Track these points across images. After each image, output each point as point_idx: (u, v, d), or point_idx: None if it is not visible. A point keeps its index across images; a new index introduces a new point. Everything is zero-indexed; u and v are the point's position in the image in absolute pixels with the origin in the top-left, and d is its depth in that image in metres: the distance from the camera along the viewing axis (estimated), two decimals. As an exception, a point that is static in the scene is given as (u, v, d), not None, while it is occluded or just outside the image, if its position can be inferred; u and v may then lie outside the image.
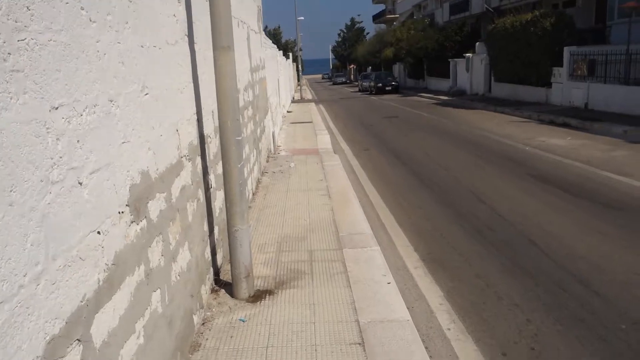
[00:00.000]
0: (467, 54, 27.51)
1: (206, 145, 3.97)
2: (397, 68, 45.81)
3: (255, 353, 3.17)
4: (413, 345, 3.23)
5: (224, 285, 4.13)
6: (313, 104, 29.09)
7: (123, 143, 2.38)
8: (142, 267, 2.51)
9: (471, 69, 27.17)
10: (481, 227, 5.92)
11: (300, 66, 56.79)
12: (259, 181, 8.02)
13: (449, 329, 3.83)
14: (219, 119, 3.57)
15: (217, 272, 4.29)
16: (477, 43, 27.12)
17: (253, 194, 7.11)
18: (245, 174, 6.58)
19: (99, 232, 2.10)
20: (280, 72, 19.02)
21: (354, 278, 4.21)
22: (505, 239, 5.48)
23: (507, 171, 8.97)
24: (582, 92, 16.58)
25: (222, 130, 3.54)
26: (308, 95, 41.19)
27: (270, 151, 11.13)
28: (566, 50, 17.47)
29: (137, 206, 2.46)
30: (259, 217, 5.98)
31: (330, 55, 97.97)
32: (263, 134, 9.45)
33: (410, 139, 13.68)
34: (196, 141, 3.65)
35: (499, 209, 6.60)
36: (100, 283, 2.08)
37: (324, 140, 13.60)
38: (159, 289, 2.70)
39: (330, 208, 6.28)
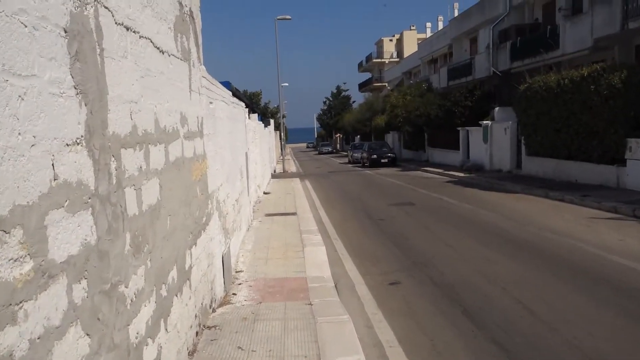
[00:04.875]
0: (485, 122, 22.77)
1: None
2: (391, 137, 41.28)
3: None
4: None
5: None
6: (298, 179, 23.83)
7: None
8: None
9: (490, 140, 22.33)
10: None
11: (283, 134, 52.23)
12: None
13: None
14: None
15: None
16: (497, 108, 22.48)
17: None
18: None
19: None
20: (252, 141, 13.76)
21: None
22: None
23: None
24: (686, 174, 11.49)
25: None
26: (292, 167, 36.10)
27: (211, 302, 5.51)
28: (653, 116, 12.56)
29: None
30: None
31: (315, 124, 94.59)
32: (176, 299, 3.88)
33: (458, 252, 8.22)
34: None
35: None
36: None
37: (317, 256, 8.07)
38: None
39: None
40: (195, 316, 4.51)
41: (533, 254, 7.92)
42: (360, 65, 74.08)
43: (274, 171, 30.01)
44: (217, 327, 4.96)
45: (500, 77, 26.29)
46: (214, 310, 5.45)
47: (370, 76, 70.22)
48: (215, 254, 5.80)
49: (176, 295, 3.83)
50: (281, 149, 40.85)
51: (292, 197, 16.39)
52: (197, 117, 5.13)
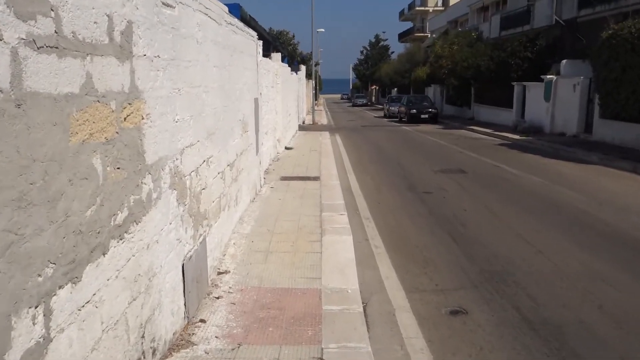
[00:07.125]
0: (548, 76, 19.43)
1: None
2: (432, 91, 37.84)
3: None
4: None
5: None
6: (327, 133, 21.20)
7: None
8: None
9: (554, 98, 19.06)
10: None
11: (317, 83, 48.97)
12: None
13: None
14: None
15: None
16: (565, 61, 19.07)
17: None
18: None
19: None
20: (271, 86, 11.12)
21: None
22: None
23: None
24: None
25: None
26: (323, 119, 33.34)
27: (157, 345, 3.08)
28: None
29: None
30: None
31: (351, 75, 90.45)
32: None
33: (548, 258, 5.58)
34: None
35: None
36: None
37: (340, 252, 5.56)
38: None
39: None
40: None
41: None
42: (401, 13, 69.12)
43: (303, 122, 27.39)
44: None
45: (563, 28, 22.63)
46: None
47: (412, 25, 65.40)
48: (161, 268, 3.34)
49: None
50: (313, 99, 37.94)
51: (318, 154, 13.83)
52: (109, 16, 2.56)
